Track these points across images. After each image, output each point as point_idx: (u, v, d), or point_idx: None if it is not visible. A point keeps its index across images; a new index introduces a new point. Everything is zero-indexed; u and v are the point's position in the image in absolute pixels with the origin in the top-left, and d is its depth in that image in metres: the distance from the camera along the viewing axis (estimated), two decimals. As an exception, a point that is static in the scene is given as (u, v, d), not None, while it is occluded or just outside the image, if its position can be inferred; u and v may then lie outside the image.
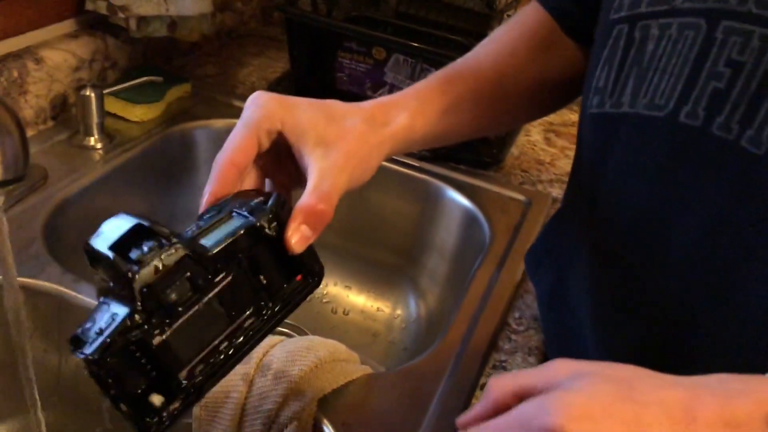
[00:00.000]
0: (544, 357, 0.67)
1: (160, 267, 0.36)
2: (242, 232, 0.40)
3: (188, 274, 0.37)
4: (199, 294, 0.38)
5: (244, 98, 0.94)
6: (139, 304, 0.35)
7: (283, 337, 0.62)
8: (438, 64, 0.92)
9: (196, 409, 0.59)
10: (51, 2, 0.88)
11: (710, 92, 0.43)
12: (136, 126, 0.92)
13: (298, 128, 0.46)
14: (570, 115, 1.15)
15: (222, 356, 0.40)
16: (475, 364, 0.64)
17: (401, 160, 0.93)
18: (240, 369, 0.58)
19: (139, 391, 0.37)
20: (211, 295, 0.39)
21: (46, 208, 0.75)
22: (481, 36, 1.00)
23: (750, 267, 0.43)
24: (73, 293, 0.65)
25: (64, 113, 0.89)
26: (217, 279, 0.39)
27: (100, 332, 0.35)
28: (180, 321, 0.37)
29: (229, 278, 0.40)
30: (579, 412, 0.30)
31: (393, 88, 0.96)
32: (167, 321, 0.37)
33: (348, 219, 0.98)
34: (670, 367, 0.34)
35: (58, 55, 0.87)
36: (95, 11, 0.89)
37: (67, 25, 0.91)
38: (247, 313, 0.41)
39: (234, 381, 0.58)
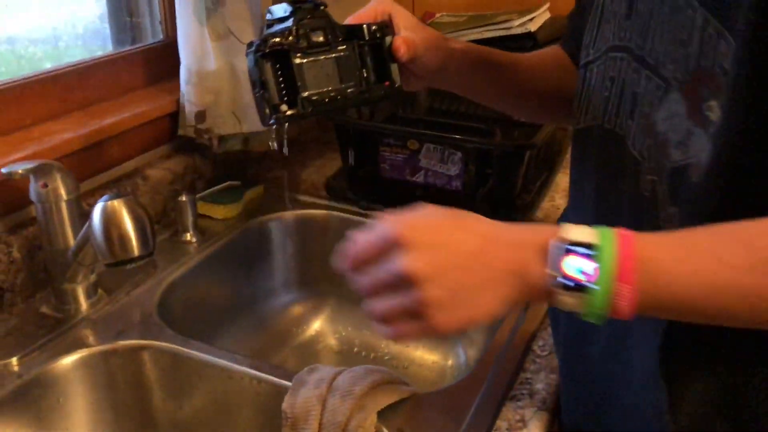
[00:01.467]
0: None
1: (317, 10, 0.63)
2: (364, 27, 0.67)
3: (327, 29, 0.64)
4: (329, 47, 0.64)
5: (307, 194, 1.19)
6: (294, 28, 0.62)
7: (345, 367, 0.78)
8: (461, 149, 1.11)
9: (285, 430, 0.75)
10: (152, 132, 1.11)
11: (602, 97, 0.65)
12: (221, 223, 1.13)
13: (400, 13, 0.74)
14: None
15: (328, 100, 0.65)
16: (504, 381, 0.79)
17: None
18: (314, 392, 0.74)
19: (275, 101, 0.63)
20: (335, 54, 0.65)
21: (159, 289, 0.95)
22: (500, 119, 1.21)
23: None
24: (186, 350, 0.84)
25: (165, 217, 1.11)
26: (341, 47, 0.65)
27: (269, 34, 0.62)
28: (312, 59, 0.63)
29: (348, 51, 0.66)
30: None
31: (428, 172, 1.15)
32: (306, 53, 0.62)
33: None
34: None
35: (158, 173, 1.09)
36: (185, 135, 1.12)
37: (164, 149, 1.15)
38: (352, 83, 0.67)
39: (311, 402, 0.74)
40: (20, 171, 0.79)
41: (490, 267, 0.49)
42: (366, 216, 1.16)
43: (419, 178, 1.17)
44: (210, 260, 1.05)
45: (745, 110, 0.50)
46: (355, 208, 1.19)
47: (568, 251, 0.48)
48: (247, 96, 1.11)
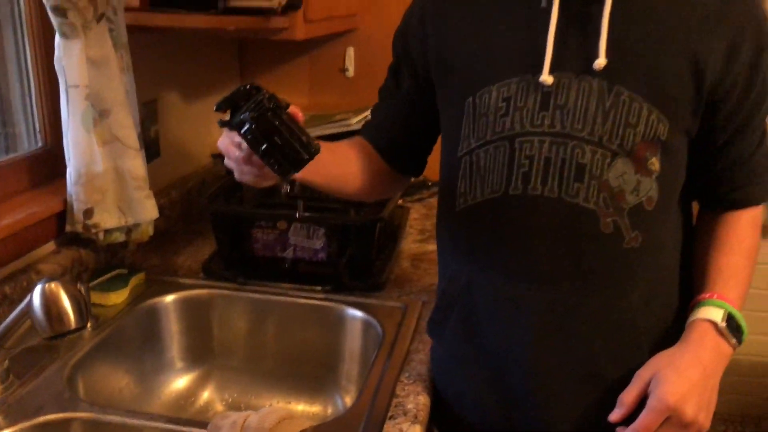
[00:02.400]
0: (430, 391, 1.02)
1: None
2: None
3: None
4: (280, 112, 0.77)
5: (186, 277, 1.36)
6: (266, 95, 0.75)
7: (250, 412, 0.93)
8: (325, 225, 1.32)
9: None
10: (41, 230, 1.21)
11: (521, 174, 0.86)
12: (111, 308, 1.23)
13: None
14: (428, 247, 1.56)
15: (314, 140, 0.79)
16: (383, 406, 0.98)
17: (314, 295, 1.29)
18: (231, 432, 0.88)
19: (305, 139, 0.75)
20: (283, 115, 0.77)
21: (65, 369, 1.04)
22: (353, 203, 1.44)
23: None
24: (105, 416, 0.94)
25: (56, 308, 1.20)
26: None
27: (247, 109, 0.75)
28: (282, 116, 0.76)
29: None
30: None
31: (296, 247, 1.34)
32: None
33: (279, 348, 1.31)
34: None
35: (50, 267, 1.19)
36: (73, 231, 1.23)
37: (52, 244, 1.24)
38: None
39: (228, 441, 0.88)
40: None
41: (709, 376, 0.86)
42: (243, 291, 1.32)
43: (289, 253, 1.35)
44: (106, 342, 1.15)
45: (676, 156, 0.85)
46: (232, 285, 1.34)
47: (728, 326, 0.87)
48: (131, 191, 1.25)
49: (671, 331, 0.92)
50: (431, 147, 1.09)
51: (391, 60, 1.04)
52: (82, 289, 0.81)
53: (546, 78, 0.83)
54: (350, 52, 1.98)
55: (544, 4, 0.84)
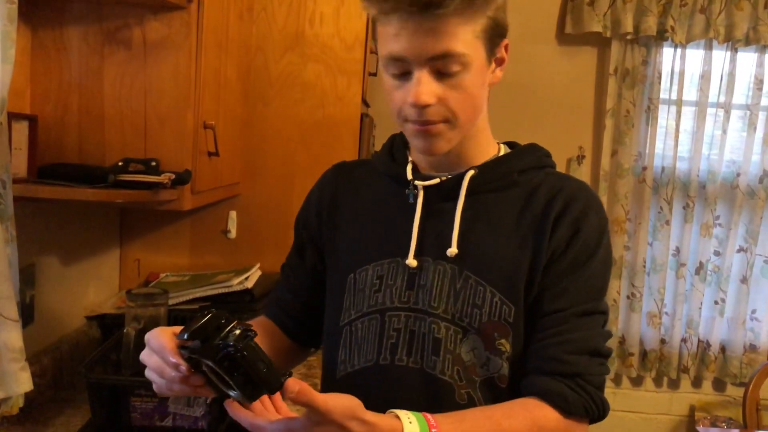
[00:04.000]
0: None
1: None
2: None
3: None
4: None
5: None
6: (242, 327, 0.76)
7: None
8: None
9: None
10: None
11: (389, 345, 0.93)
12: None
13: None
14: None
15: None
16: None
17: None
18: None
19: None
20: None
21: None
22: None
23: None
24: None
25: None
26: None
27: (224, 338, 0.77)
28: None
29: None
30: None
31: (176, 416, 1.34)
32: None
33: None
34: None
35: None
36: (-64, 407, 1.17)
37: None
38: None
39: None
40: None
41: None
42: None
43: (168, 422, 1.34)
44: None
45: (525, 340, 0.93)
46: (106, 459, 1.30)
47: None
48: (5, 364, 1.22)
49: None
50: None
51: (293, 240, 1.15)
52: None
53: (411, 261, 0.96)
54: (233, 215, 2.07)
55: (411, 200, 1.00)
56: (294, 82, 2.04)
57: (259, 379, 0.77)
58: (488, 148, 1.01)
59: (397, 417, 0.81)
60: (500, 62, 0.95)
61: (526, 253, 0.94)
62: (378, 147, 1.20)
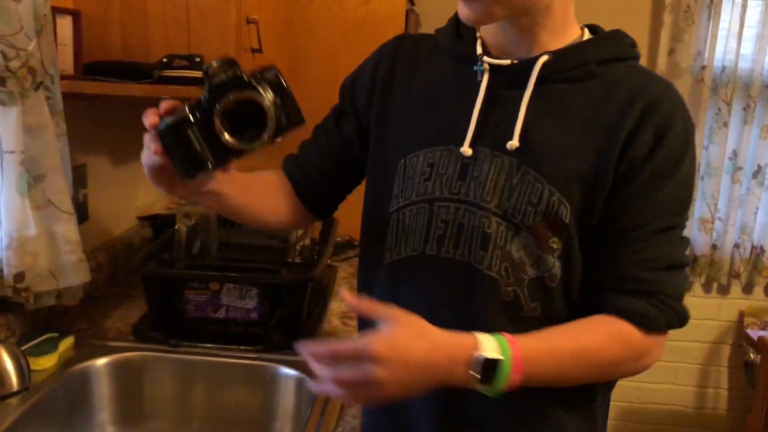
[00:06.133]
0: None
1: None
2: None
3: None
4: None
5: (116, 340, 1.37)
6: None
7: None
8: (257, 285, 1.35)
9: None
10: (-33, 295, 1.20)
11: (437, 235, 0.92)
12: (41, 372, 1.22)
13: None
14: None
15: None
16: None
17: (246, 355, 1.32)
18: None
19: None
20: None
21: (-4, 435, 1.03)
22: (281, 262, 1.49)
23: None
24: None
25: (-18, 375, 1.18)
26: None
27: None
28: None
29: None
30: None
31: (228, 308, 1.37)
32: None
33: (212, 409, 1.32)
34: None
35: (-24, 332, 1.17)
36: (2, 295, 1.22)
37: (-23, 310, 1.23)
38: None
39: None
40: None
41: (429, 376, 0.79)
42: (174, 353, 1.33)
43: (221, 314, 1.38)
44: (37, 407, 1.14)
45: (577, 241, 0.89)
46: (163, 347, 1.35)
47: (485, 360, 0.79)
48: (64, 255, 1.26)
49: (571, 403, 0.95)
50: (346, 195, 1.14)
51: (336, 104, 1.10)
52: (23, 352, 0.82)
53: (466, 150, 0.91)
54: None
55: (479, 77, 0.92)
56: (337, -23, 1.97)
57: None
58: (567, 32, 0.93)
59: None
60: None
61: (594, 154, 0.88)
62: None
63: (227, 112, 0.78)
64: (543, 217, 0.88)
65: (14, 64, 1.12)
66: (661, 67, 2.77)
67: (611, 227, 0.89)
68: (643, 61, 3.30)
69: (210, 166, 0.79)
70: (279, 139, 0.80)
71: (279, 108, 0.78)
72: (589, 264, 0.91)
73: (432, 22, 2.31)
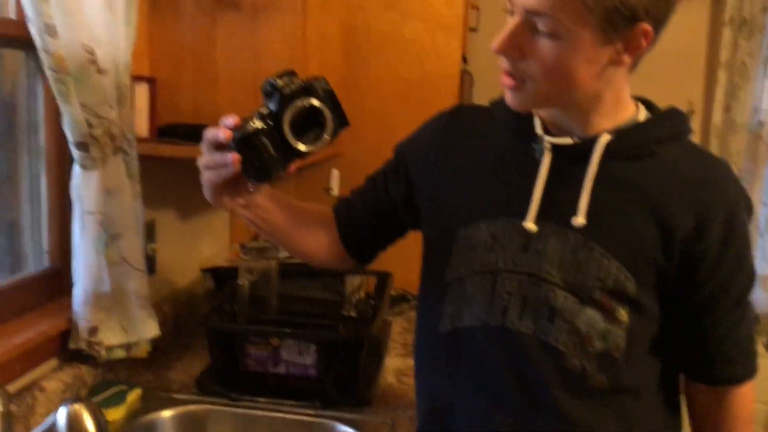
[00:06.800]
0: None
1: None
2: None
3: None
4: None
5: (180, 392, 1.41)
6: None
7: None
8: (315, 341, 1.39)
9: None
10: (45, 347, 1.26)
11: (501, 306, 0.93)
12: (111, 424, 1.27)
13: None
14: (411, 362, 1.63)
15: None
16: None
17: (305, 412, 1.35)
18: None
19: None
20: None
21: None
22: (337, 316, 1.53)
23: None
24: None
25: None
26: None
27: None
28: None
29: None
30: None
31: (288, 363, 1.41)
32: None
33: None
34: None
35: (53, 384, 1.23)
36: (76, 348, 1.28)
37: (54, 361, 1.29)
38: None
39: None
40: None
41: None
42: (235, 406, 1.37)
43: (281, 369, 1.41)
44: (105, 458, 1.19)
45: (645, 313, 0.92)
46: (224, 400, 1.39)
47: None
48: (135, 310, 1.32)
49: None
50: (386, 246, 1.17)
51: (388, 161, 1.14)
52: (102, 413, 0.86)
53: (530, 225, 0.92)
54: (335, 173, 2.12)
55: (538, 156, 0.94)
56: (393, 39, 2.04)
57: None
58: (620, 112, 0.95)
59: None
60: (631, 48, 0.88)
61: (658, 233, 0.90)
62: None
63: (294, 118, 0.87)
64: (609, 291, 0.90)
65: (97, 132, 1.20)
66: (717, 123, 2.75)
67: (689, 306, 0.95)
68: (698, 119, 3.27)
69: (281, 168, 0.88)
70: (333, 141, 0.89)
71: (332, 112, 0.88)
72: (663, 336, 0.96)
73: (486, 81, 2.37)
